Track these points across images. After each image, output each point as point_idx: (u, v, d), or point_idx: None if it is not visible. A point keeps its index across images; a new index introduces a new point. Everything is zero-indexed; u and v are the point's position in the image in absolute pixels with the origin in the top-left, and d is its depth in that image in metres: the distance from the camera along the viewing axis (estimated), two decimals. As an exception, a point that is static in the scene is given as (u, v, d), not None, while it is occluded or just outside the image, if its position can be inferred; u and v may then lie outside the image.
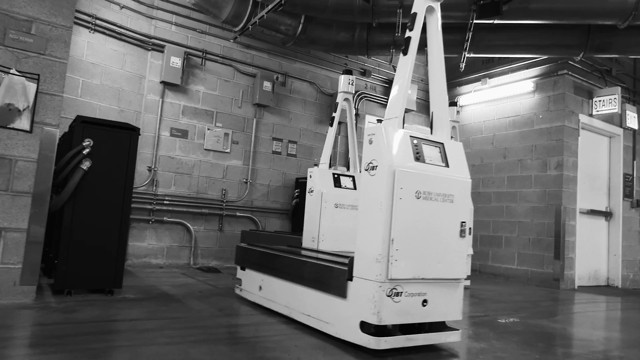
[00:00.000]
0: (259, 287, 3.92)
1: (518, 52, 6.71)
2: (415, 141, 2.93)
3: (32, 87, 3.49)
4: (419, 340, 2.84)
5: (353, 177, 5.14)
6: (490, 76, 8.23)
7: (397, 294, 2.73)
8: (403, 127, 2.97)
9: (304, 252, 3.84)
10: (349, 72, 5.55)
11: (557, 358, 2.96)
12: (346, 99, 5.47)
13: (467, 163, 3.18)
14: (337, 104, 5.38)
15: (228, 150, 6.93)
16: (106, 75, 6.11)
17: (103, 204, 3.87)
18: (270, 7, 5.86)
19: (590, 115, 7.55)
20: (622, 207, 7.92)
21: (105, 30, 6.10)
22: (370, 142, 2.92)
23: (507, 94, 7.91)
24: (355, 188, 5.07)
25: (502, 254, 7.69)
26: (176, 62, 6.44)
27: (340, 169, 5.83)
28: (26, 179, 3.49)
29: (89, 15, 5.95)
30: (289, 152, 7.50)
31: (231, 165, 6.96)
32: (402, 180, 2.76)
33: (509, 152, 7.82)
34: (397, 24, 6.05)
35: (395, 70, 9.13)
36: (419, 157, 2.89)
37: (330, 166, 5.39)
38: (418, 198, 2.81)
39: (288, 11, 6.50)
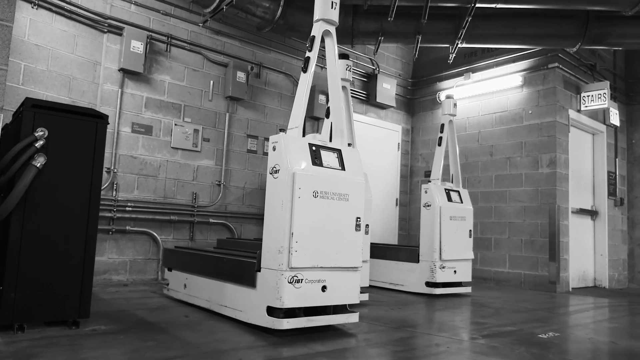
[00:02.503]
0: (184, 285, 4.23)
1: (513, 43, 6.29)
2: (314, 148, 3.32)
3: (-34, 56, 2.61)
4: (320, 321, 3.20)
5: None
6: (474, 70, 7.84)
7: (297, 281, 3.07)
8: (304, 136, 3.36)
9: (220, 250, 4.13)
10: (345, 56, 4.91)
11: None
12: (343, 87, 4.84)
13: (362, 166, 3.59)
14: (332, 93, 4.72)
15: (198, 149, 6.10)
16: (54, 60, 5.15)
17: (62, 211, 3.02)
18: (251, -17, 5.13)
19: (578, 110, 7.29)
20: (607, 206, 7.73)
21: (51, 7, 5.14)
22: (274, 149, 3.23)
23: (493, 89, 7.52)
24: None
25: (491, 257, 7.28)
26: (138, 46, 5.56)
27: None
28: (-42, 180, 2.60)
29: (33, -12, 4.99)
30: (265, 150, 6.75)
31: (202, 165, 6.13)
32: (300, 181, 3.12)
33: (496, 150, 7.44)
34: (391, 6, 5.48)
35: (374, 63, 8.46)
36: (316, 161, 3.27)
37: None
38: (315, 197, 3.18)
39: (267, -9, 5.79)
